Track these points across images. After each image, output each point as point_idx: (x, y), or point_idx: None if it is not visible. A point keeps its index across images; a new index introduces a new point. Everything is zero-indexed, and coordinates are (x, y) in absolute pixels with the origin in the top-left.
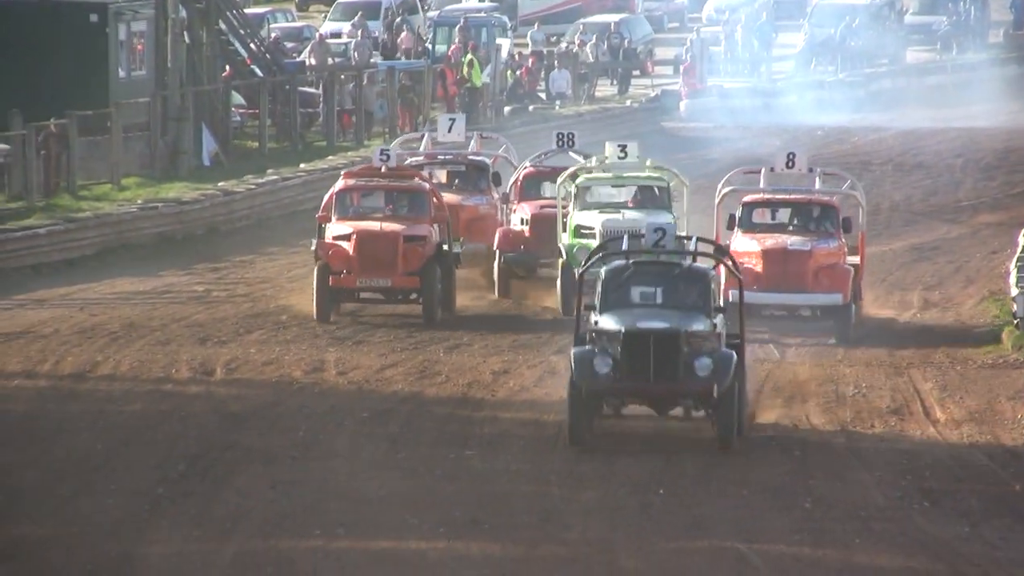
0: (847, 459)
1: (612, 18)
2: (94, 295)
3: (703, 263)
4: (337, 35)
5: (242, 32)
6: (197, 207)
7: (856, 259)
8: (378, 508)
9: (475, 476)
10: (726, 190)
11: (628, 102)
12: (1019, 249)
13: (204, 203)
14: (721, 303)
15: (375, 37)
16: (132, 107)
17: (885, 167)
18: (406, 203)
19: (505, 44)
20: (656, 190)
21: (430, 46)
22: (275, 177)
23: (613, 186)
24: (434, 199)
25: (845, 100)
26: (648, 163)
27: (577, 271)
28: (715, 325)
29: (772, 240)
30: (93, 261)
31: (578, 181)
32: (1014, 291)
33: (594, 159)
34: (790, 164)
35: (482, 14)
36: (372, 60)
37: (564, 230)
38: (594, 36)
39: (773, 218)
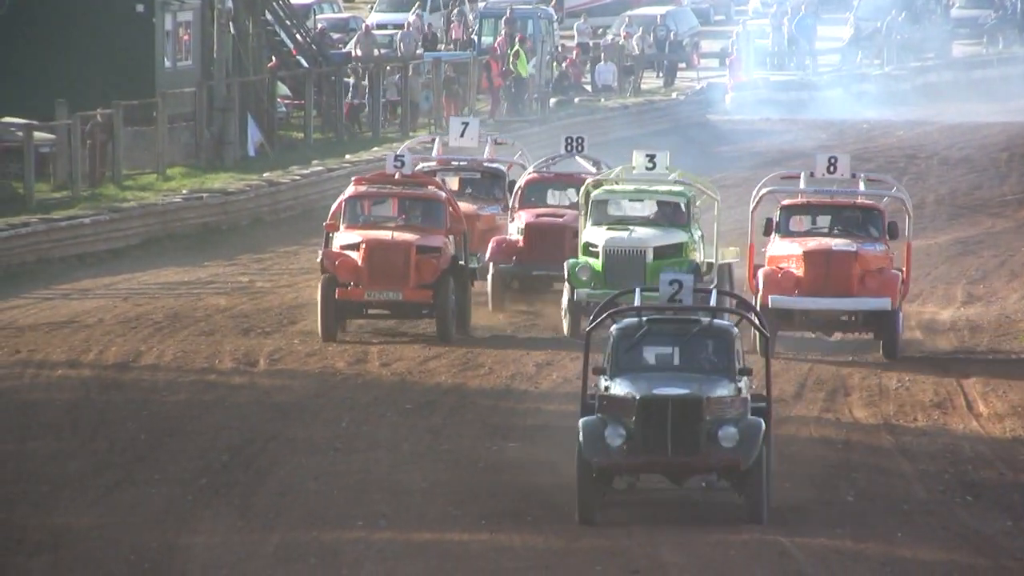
0: (890, 453)
1: (658, 10)
2: (138, 285)
3: (726, 319)
4: (383, 26)
5: (288, 23)
6: (242, 198)
7: (902, 268)
8: (420, 500)
9: (518, 468)
10: (763, 191)
11: (674, 95)
12: None
13: (249, 193)
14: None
15: (425, 29)
16: (178, 97)
17: (930, 161)
18: (420, 212)
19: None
20: (677, 205)
21: (476, 37)
22: (320, 168)
23: (631, 200)
24: (450, 209)
25: (890, 93)
26: (675, 175)
27: (586, 328)
28: (740, 389)
29: (815, 242)
30: (138, 251)
31: (594, 194)
32: None
33: (619, 169)
34: (832, 169)
35: (528, 6)
36: (418, 51)
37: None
38: (640, 28)
39: (814, 223)
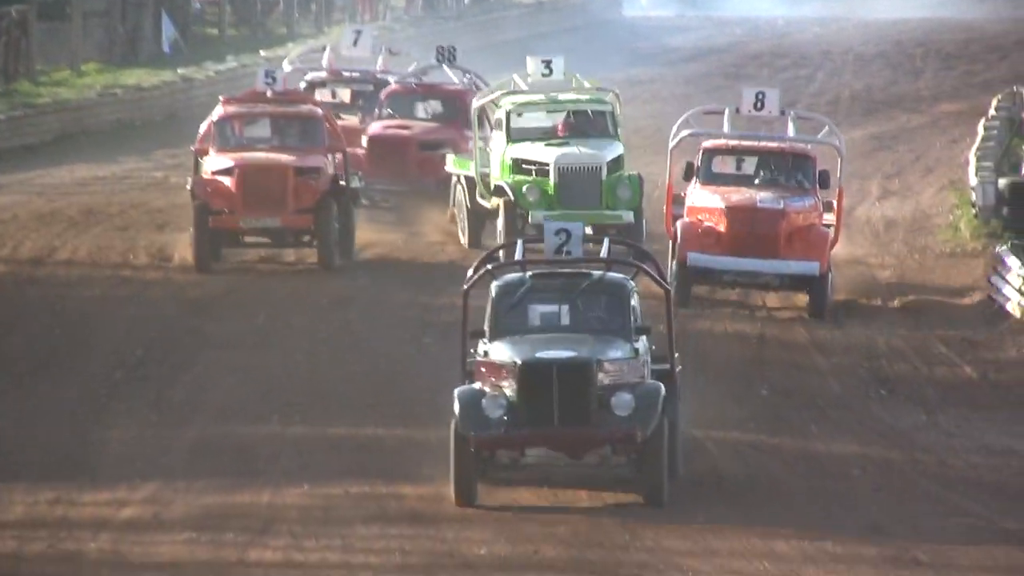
0: (804, 348)
1: None
2: (53, 181)
3: (621, 272)
4: None
5: None
6: (156, 94)
7: (832, 218)
8: (336, 395)
9: (433, 363)
10: (683, 134)
11: None
12: (979, 138)
13: (163, 90)
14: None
15: None
16: None
17: (846, 56)
18: (296, 131)
19: None
20: (600, 115)
21: None
22: (235, 64)
23: (549, 112)
24: (328, 126)
25: None
26: (586, 83)
27: (464, 286)
28: (637, 350)
29: (739, 195)
30: (52, 147)
31: (507, 106)
32: (973, 180)
33: (515, 77)
34: (759, 105)
35: None
36: None
37: (485, 165)
38: None
39: (738, 168)
